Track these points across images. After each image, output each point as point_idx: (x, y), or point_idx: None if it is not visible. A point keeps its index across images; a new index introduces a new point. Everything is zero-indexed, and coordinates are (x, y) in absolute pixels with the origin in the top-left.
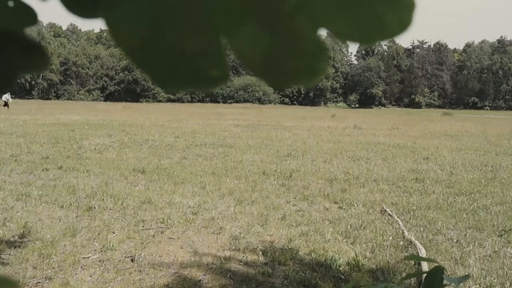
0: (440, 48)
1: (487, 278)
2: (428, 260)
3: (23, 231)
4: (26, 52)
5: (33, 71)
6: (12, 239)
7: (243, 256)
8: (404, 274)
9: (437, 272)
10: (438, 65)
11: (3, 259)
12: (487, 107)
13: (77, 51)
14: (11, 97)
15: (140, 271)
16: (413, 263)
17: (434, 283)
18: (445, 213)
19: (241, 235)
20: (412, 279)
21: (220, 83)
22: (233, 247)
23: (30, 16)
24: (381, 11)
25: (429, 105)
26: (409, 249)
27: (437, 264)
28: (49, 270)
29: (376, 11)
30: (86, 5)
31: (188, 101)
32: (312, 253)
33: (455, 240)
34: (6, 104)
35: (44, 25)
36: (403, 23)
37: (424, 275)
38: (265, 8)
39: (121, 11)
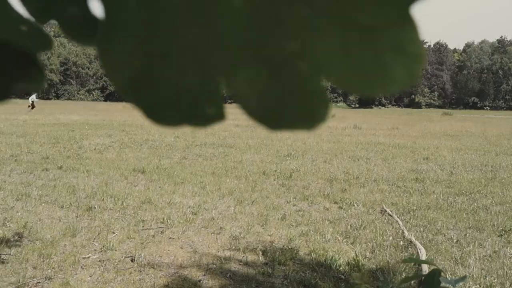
0: (440, 48)
1: (487, 278)
2: (425, 262)
3: (23, 231)
4: (23, 65)
5: (28, 85)
6: (12, 239)
7: (243, 256)
8: (404, 274)
9: (435, 275)
10: (438, 65)
11: (3, 259)
12: (487, 107)
13: (77, 51)
14: (37, 98)
15: (140, 271)
16: (413, 263)
17: (432, 285)
18: (445, 213)
19: (241, 235)
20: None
21: (216, 121)
22: (233, 247)
23: (45, 41)
24: (388, 62)
25: (429, 105)
26: (409, 249)
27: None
28: (49, 270)
29: (383, 62)
30: (84, 36)
31: None
32: (312, 253)
33: (455, 240)
34: (32, 105)
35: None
36: (411, 75)
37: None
38: (267, 49)
39: (116, 43)
